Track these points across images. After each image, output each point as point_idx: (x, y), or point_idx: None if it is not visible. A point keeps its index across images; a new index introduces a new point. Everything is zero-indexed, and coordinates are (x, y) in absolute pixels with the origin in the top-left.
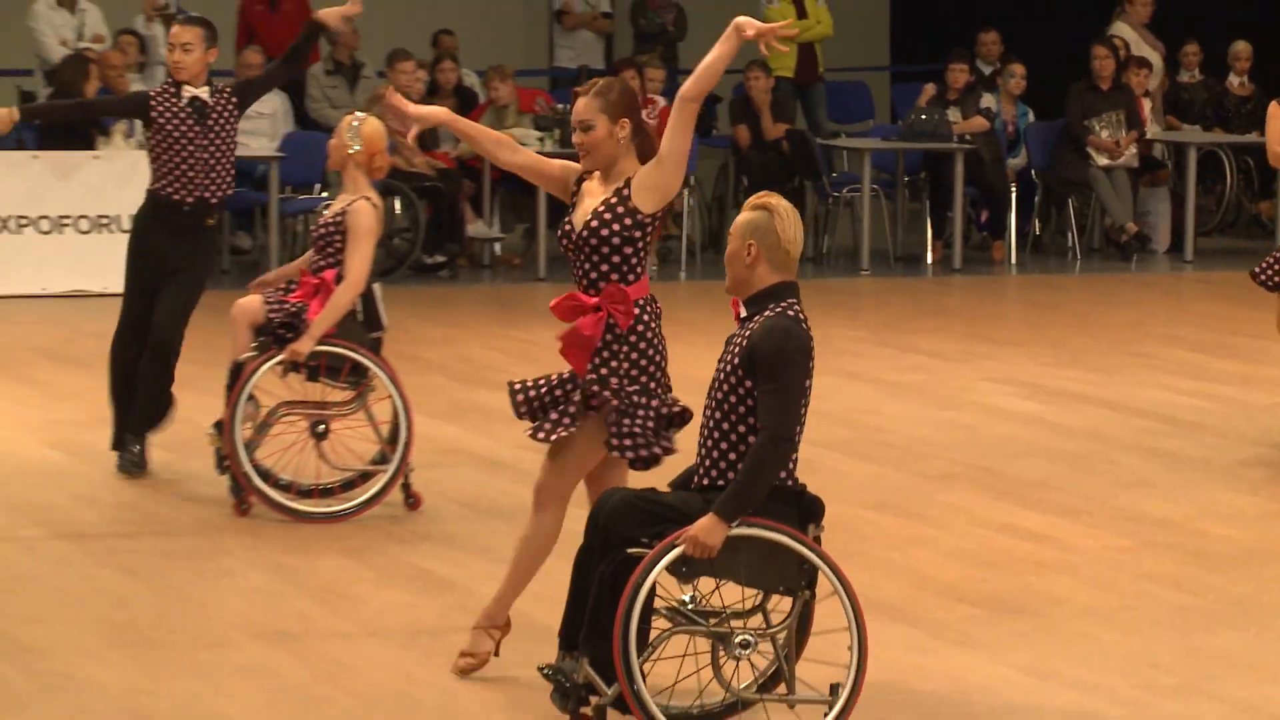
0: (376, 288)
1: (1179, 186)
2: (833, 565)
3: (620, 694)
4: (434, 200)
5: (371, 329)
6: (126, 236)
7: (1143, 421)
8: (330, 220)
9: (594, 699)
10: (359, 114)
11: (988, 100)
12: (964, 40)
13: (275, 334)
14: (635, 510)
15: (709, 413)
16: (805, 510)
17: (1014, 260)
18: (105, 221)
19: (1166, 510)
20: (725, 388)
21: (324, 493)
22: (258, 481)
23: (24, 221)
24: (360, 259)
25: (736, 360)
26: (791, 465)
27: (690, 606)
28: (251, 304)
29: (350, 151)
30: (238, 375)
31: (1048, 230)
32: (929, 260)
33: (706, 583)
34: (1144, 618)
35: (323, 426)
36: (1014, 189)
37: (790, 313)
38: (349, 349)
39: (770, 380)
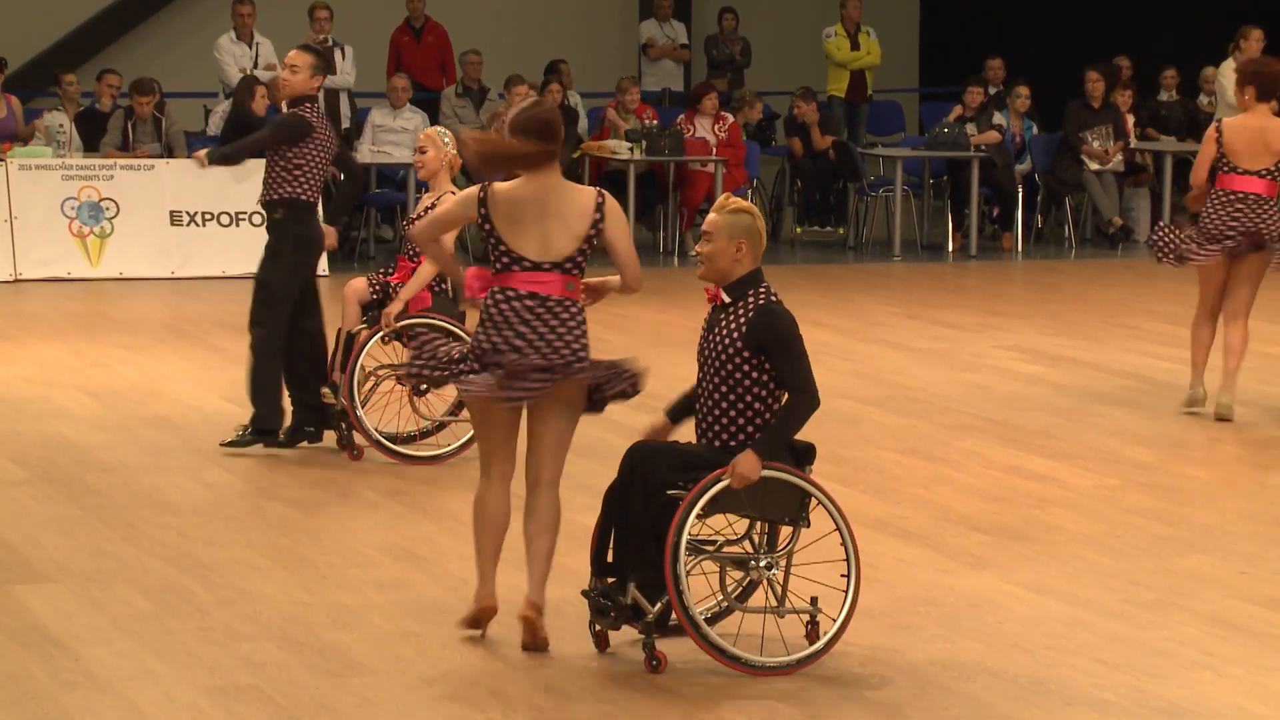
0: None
1: (1158, 187)
2: (829, 498)
3: (662, 611)
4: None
5: (460, 303)
6: None
7: (1126, 381)
8: (423, 213)
9: (639, 621)
10: (439, 127)
11: (999, 118)
12: (978, 66)
13: (381, 309)
14: (670, 457)
15: (706, 382)
16: (800, 455)
17: (1020, 249)
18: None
19: (1146, 454)
20: (725, 361)
21: (406, 439)
22: (373, 432)
23: (208, 216)
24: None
25: (739, 340)
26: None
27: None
28: (359, 284)
29: (450, 156)
30: (350, 345)
31: (1049, 224)
32: (950, 248)
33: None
34: (1128, 544)
35: (425, 385)
36: (1021, 190)
37: (773, 298)
38: (440, 319)
39: (785, 355)
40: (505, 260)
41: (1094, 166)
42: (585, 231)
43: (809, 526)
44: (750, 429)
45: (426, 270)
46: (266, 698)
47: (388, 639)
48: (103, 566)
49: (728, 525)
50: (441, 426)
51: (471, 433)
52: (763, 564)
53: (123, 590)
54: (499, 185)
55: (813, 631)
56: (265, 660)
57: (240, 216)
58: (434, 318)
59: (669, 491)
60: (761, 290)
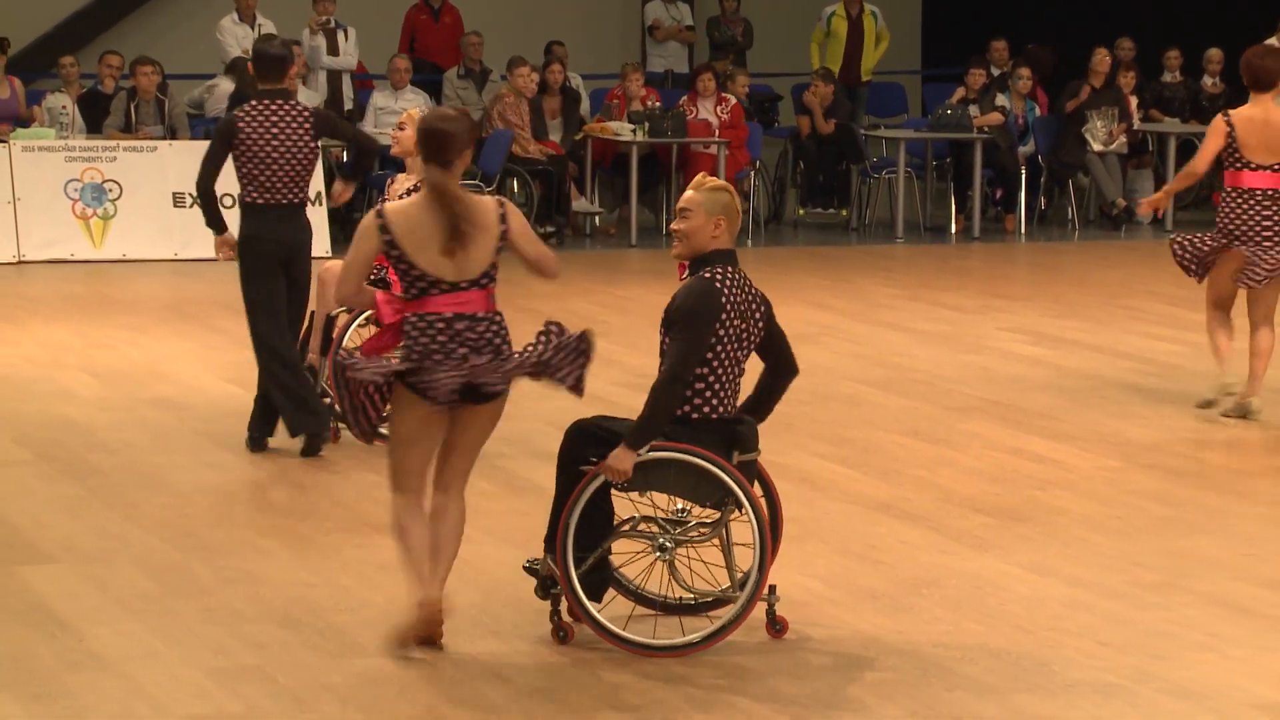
0: None
1: (1161, 169)
2: (740, 482)
3: (582, 581)
4: (545, 181)
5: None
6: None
7: (1129, 362)
8: (405, 193)
9: (555, 590)
10: (420, 107)
11: (1002, 99)
12: (981, 47)
13: None
14: (586, 434)
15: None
16: (732, 438)
17: (1023, 230)
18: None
19: (1149, 436)
20: (663, 336)
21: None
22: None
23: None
24: None
25: (665, 314)
26: (716, 401)
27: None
28: (337, 266)
29: None
30: (329, 327)
31: (1052, 205)
32: (952, 230)
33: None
34: (1130, 525)
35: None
36: (1024, 171)
37: (710, 275)
38: None
39: (677, 331)
40: (421, 285)
41: (1097, 148)
42: (495, 244)
43: (739, 509)
44: (697, 401)
45: None
46: (269, 678)
47: (390, 620)
48: (106, 547)
49: (671, 503)
50: None
51: None
52: (660, 542)
53: (126, 571)
54: (393, 207)
55: (769, 620)
56: (268, 641)
57: None
58: None
59: (580, 466)
60: (717, 270)
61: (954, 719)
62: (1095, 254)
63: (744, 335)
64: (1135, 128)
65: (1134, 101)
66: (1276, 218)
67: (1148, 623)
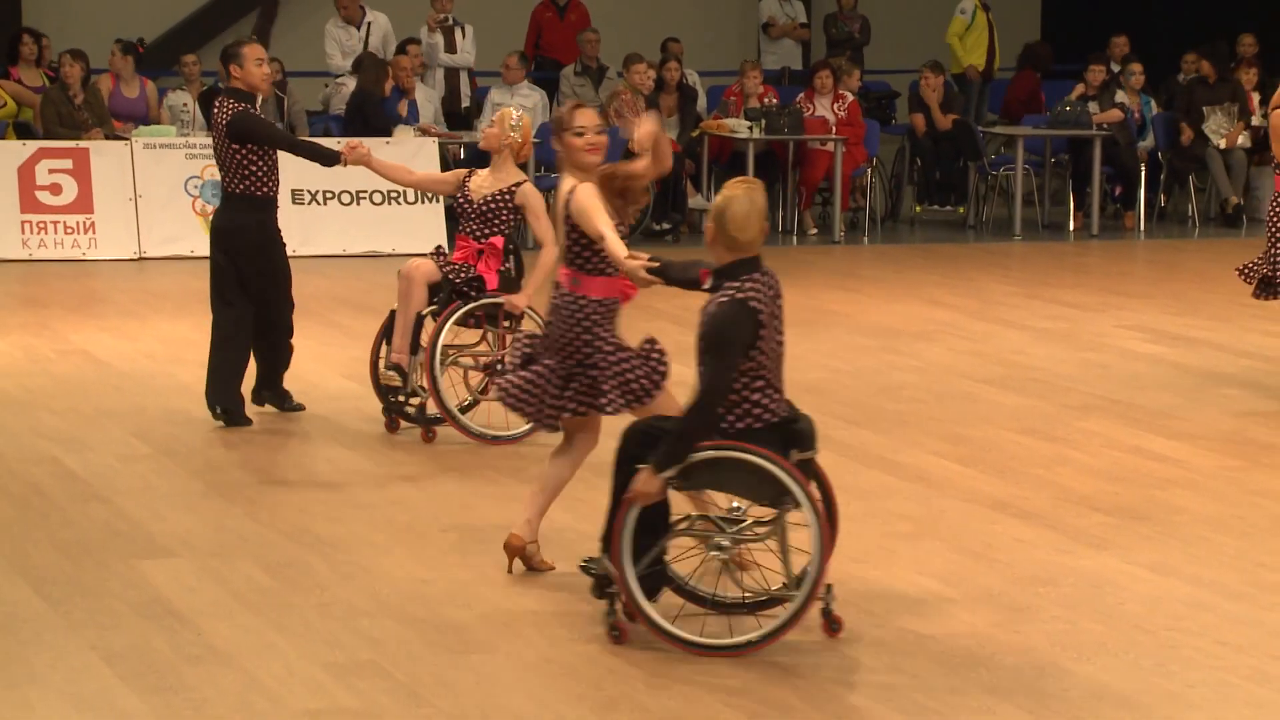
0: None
1: None
2: (799, 480)
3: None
4: (661, 178)
5: (517, 284)
6: (410, 208)
7: (1250, 361)
8: (494, 196)
9: (610, 589)
10: (517, 110)
11: (1121, 96)
12: (1101, 44)
13: (457, 290)
14: (641, 434)
15: None
16: (789, 437)
17: (1143, 228)
18: (394, 195)
19: (1270, 435)
20: (699, 354)
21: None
22: (458, 414)
23: (329, 195)
24: (549, 227)
25: (699, 333)
26: (769, 404)
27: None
28: (427, 265)
29: (512, 139)
30: (418, 326)
31: (1171, 202)
32: (1071, 228)
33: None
34: (1252, 525)
35: (500, 365)
36: (1144, 168)
37: (743, 296)
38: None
39: (712, 356)
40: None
41: (1220, 144)
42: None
43: (796, 508)
44: (756, 411)
45: (549, 258)
46: (385, 673)
47: (507, 617)
48: (224, 541)
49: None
50: (476, 403)
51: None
52: (715, 541)
53: (244, 565)
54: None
55: (826, 619)
56: (385, 636)
57: (360, 195)
58: (502, 298)
59: (637, 466)
60: (746, 283)
61: (1072, 719)
62: (1215, 251)
63: (781, 331)
64: (1255, 124)
65: (1255, 98)
66: None
67: (1269, 623)
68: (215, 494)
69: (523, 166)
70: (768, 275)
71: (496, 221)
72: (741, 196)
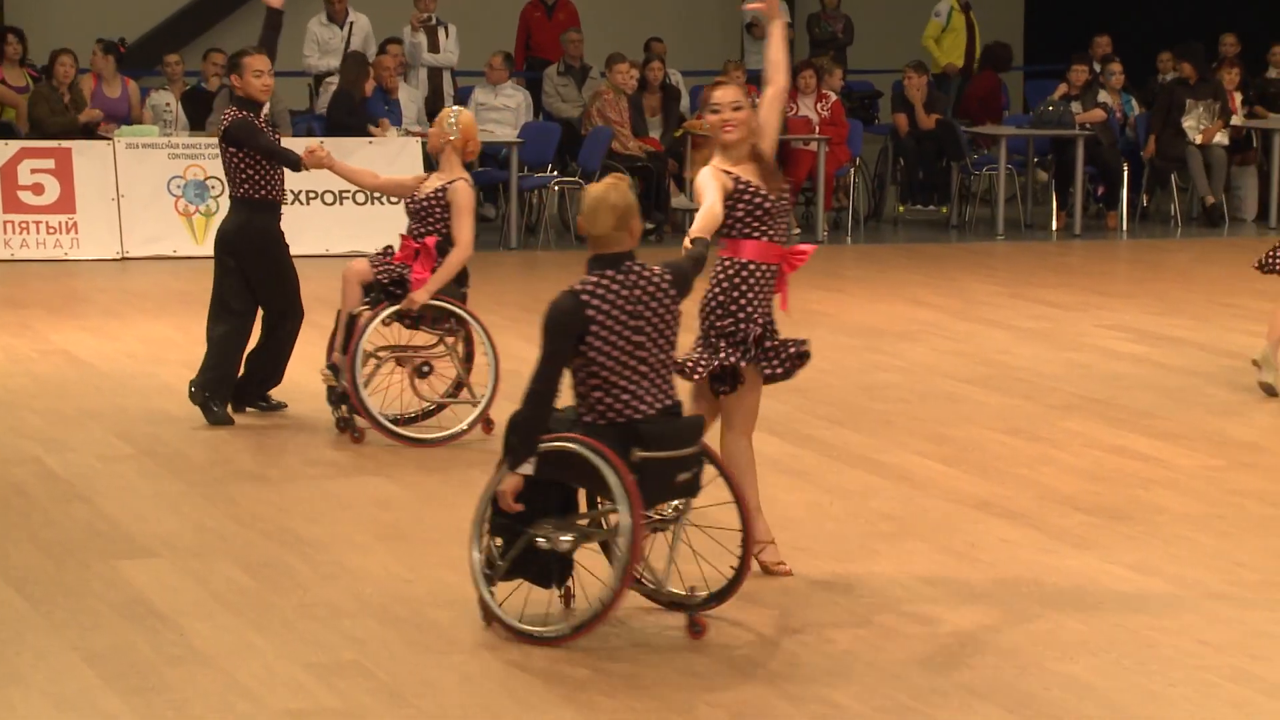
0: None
1: (1265, 165)
2: (621, 476)
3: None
4: (645, 177)
5: (460, 285)
6: (394, 209)
7: (1232, 361)
8: (430, 195)
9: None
10: (456, 108)
11: (1104, 96)
12: (1084, 44)
13: (385, 290)
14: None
15: None
16: (632, 436)
17: (1125, 228)
18: (377, 196)
19: (1251, 435)
20: None
21: (408, 421)
22: (376, 414)
23: (312, 195)
24: (467, 228)
25: None
26: (611, 400)
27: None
28: (361, 265)
29: (450, 139)
30: (351, 326)
31: (1153, 202)
32: (1054, 227)
33: None
34: (1232, 525)
35: (428, 366)
36: (1126, 168)
37: (580, 287)
38: (449, 303)
39: (541, 344)
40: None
41: (1196, 139)
42: None
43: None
44: (600, 407)
45: (457, 259)
46: (368, 673)
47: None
48: (205, 541)
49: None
50: (441, 408)
51: (473, 416)
52: (538, 538)
53: (225, 565)
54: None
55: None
56: (367, 636)
57: (344, 195)
58: (438, 299)
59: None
60: (590, 279)
61: (1053, 718)
62: (1198, 251)
63: (644, 331)
64: (1237, 124)
65: (1238, 98)
66: None
67: (1250, 622)
68: (196, 494)
69: (469, 166)
70: (632, 275)
71: (430, 219)
72: (595, 191)
